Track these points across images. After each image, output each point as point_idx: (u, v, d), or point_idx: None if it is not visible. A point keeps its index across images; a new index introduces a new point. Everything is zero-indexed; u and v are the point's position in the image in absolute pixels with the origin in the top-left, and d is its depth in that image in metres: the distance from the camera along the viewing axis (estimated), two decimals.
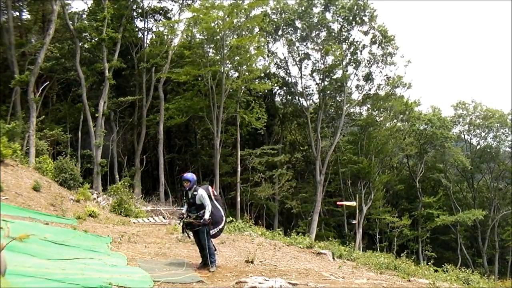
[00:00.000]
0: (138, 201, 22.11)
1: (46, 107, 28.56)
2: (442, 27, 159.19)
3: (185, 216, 7.90)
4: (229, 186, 32.80)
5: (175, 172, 35.75)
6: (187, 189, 7.85)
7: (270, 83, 31.49)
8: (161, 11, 31.09)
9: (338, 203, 30.81)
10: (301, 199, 34.15)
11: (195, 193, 7.67)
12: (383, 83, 35.02)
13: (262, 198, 31.33)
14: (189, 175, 7.93)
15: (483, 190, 43.09)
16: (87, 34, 27.53)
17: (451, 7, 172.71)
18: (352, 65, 33.87)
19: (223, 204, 8.15)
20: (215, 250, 8.03)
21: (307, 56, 34.18)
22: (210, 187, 7.98)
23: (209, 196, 7.71)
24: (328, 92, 34.39)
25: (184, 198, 8.08)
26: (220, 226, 7.83)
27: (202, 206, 7.59)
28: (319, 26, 32.56)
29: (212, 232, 7.69)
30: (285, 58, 34.83)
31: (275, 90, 36.35)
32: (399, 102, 35.26)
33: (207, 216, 7.49)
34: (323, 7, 32.58)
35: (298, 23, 32.64)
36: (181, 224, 8.16)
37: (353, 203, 27.21)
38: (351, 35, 33.28)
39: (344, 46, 33.00)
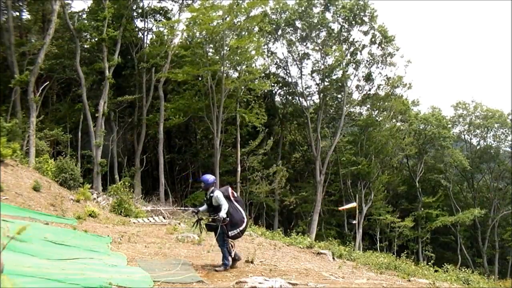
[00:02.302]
0: (138, 201, 22.10)
1: (46, 107, 28.55)
2: (442, 27, 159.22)
3: (199, 215, 8.02)
4: (229, 185, 32.76)
5: (175, 172, 35.74)
6: (201, 190, 7.92)
7: (269, 82, 31.48)
8: (161, 11, 31.09)
9: (339, 208, 30.77)
10: (301, 199, 34.12)
11: (211, 194, 7.71)
12: (383, 84, 35.06)
13: (261, 196, 31.30)
14: (205, 177, 7.98)
15: (483, 190, 43.08)
16: (87, 34, 27.54)
17: (451, 7, 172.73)
18: (352, 65, 33.85)
19: (244, 206, 8.13)
20: (230, 254, 7.95)
21: (307, 56, 34.19)
22: (230, 188, 7.99)
23: (228, 197, 7.72)
24: (328, 92, 34.38)
25: (205, 198, 8.15)
26: (241, 228, 7.77)
27: (218, 208, 7.61)
28: (319, 26, 32.54)
29: (231, 233, 7.66)
30: (285, 58, 34.86)
31: (275, 90, 36.35)
32: (399, 102, 35.25)
33: (222, 213, 7.47)
34: (323, 7, 32.57)
35: (298, 23, 32.63)
36: (195, 218, 8.27)
37: (353, 204, 27.19)
38: (351, 35, 33.29)
39: (344, 46, 32.98)
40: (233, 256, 7.92)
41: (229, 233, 7.64)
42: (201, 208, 8.10)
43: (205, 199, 7.90)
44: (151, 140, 33.89)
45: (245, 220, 7.87)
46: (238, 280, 6.76)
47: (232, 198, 7.80)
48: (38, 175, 15.67)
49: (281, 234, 17.12)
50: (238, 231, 7.74)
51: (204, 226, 8.05)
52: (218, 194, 7.64)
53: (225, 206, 7.53)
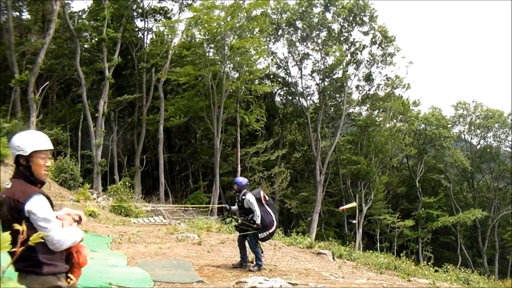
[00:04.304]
0: (138, 201, 22.11)
1: (45, 107, 28.55)
2: (442, 27, 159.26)
3: (230, 213, 8.31)
4: (230, 186, 32.79)
5: (175, 172, 35.74)
6: (234, 192, 8.09)
7: (270, 85, 31.45)
8: (161, 11, 31.06)
9: (339, 209, 30.68)
10: (301, 199, 34.10)
11: (243, 197, 7.83)
12: (383, 84, 35.03)
13: None
14: (238, 179, 8.18)
15: (483, 190, 43.07)
16: (87, 34, 27.52)
17: (451, 7, 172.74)
18: (352, 65, 33.83)
19: (275, 209, 8.26)
20: (262, 252, 8.17)
21: (307, 56, 34.18)
22: (262, 192, 8.10)
23: (259, 200, 7.82)
24: (328, 92, 34.37)
25: (236, 200, 8.28)
26: (271, 231, 7.91)
27: (250, 211, 7.72)
28: (319, 27, 32.54)
29: (261, 236, 7.81)
30: (285, 58, 34.85)
31: (275, 90, 36.35)
32: (398, 102, 35.20)
33: (258, 221, 7.60)
34: (323, 7, 32.56)
35: (298, 23, 32.61)
36: (226, 215, 8.54)
37: (353, 204, 27.08)
38: (352, 35, 33.28)
39: (345, 46, 32.96)
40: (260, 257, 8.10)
41: (259, 235, 7.77)
42: (233, 207, 8.18)
43: (238, 201, 7.99)
44: (151, 140, 33.88)
45: (275, 223, 7.99)
46: (238, 280, 6.77)
47: (263, 202, 7.89)
48: None
49: (281, 234, 17.10)
50: (268, 233, 7.89)
51: (234, 227, 8.26)
52: (251, 198, 7.73)
53: (258, 212, 7.64)
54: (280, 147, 34.26)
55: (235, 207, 8.15)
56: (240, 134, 30.66)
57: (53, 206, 2.72)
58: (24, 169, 2.75)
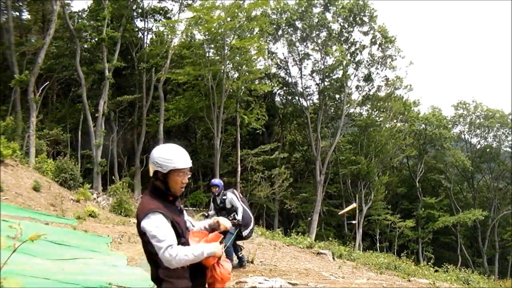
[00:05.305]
0: (138, 201, 22.09)
1: (45, 107, 28.57)
2: (442, 27, 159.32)
3: (207, 215, 8.19)
4: (229, 186, 32.67)
5: None
6: (215, 194, 8.04)
7: (270, 84, 31.43)
8: (161, 11, 31.05)
9: (340, 213, 30.63)
10: (301, 199, 34.08)
11: (224, 197, 7.88)
12: (383, 85, 35.02)
13: (262, 198, 31.27)
14: (217, 181, 8.22)
15: (483, 190, 43.07)
16: (87, 34, 27.53)
17: (451, 7, 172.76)
18: (352, 65, 33.81)
19: (248, 206, 8.32)
20: (240, 251, 8.28)
21: (307, 56, 34.17)
22: (235, 190, 8.18)
23: (237, 198, 7.90)
24: (328, 92, 34.34)
25: (213, 203, 8.27)
26: (251, 227, 7.96)
27: (232, 209, 7.75)
28: (319, 27, 32.53)
29: (245, 233, 7.81)
30: (285, 58, 34.84)
31: (275, 90, 36.35)
32: (399, 103, 35.15)
33: (239, 216, 7.62)
34: (322, 7, 32.54)
35: (298, 23, 32.60)
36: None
37: (353, 206, 27.09)
38: (352, 35, 33.24)
39: (345, 46, 32.94)
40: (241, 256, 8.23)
41: (243, 233, 7.77)
42: (210, 213, 8.22)
43: (218, 203, 8.02)
44: (151, 140, 33.86)
45: (252, 219, 8.08)
46: (238, 280, 6.76)
47: (239, 199, 7.95)
48: (38, 175, 15.66)
49: (281, 234, 17.11)
50: (249, 230, 7.93)
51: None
52: (232, 196, 7.82)
53: (240, 208, 7.72)
54: (281, 148, 34.24)
55: (212, 212, 8.18)
56: (240, 134, 30.63)
57: (175, 223, 2.67)
58: (161, 183, 2.76)
